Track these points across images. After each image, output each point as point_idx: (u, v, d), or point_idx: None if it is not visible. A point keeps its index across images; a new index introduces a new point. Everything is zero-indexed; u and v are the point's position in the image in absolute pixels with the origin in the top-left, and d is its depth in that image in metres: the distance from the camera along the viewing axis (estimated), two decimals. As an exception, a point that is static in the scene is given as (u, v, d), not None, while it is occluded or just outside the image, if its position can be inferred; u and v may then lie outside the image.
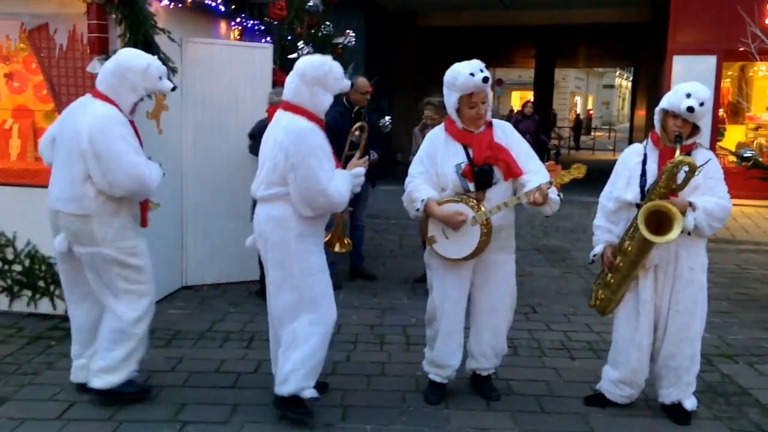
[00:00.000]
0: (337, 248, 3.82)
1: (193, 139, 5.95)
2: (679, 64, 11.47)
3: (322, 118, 3.49)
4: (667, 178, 3.36)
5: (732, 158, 8.98)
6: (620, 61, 32.58)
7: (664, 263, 3.52)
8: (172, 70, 4.82)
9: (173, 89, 3.75)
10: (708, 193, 3.45)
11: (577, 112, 37.88)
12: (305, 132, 3.37)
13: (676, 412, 3.67)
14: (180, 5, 5.49)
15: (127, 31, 4.65)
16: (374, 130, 6.15)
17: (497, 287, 3.75)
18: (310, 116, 3.42)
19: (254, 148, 5.96)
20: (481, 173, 3.56)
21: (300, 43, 6.61)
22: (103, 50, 4.73)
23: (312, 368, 3.50)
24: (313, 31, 6.90)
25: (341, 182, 3.42)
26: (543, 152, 13.58)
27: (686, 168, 3.31)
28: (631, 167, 3.61)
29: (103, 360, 3.65)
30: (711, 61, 11.37)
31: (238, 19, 6.76)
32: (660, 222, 3.33)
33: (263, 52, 6.30)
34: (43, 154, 3.83)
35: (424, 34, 17.55)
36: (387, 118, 6.44)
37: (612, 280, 3.62)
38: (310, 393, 3.52)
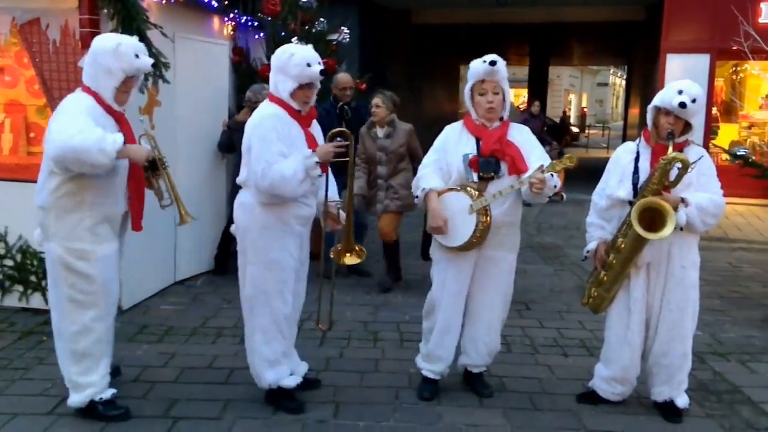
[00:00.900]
0: (347, 260, 3.72)
1: (186, 134, 5.95)
2: (673, 62, 11.50)
3: (292, 104, 3.46)
4: (659, 175, 3.37)
5: (725, 156, 9.01)
6: (614, 59, 32.69)
7: (656, 261, 3.53)
8: (164, 66, 4.80)
9: (153, 65, 3.51)
10: (701, 190, 3.46)
11: (563, 110, 37.87)
12: (262, 117, 3.44)
13: (668, 409, 3.68)
14: (172, 0, 5.46)
15: (119, 26, 4.62)
16: (361, 125, 6.15)
17: (495, 283, 3.76)
18: (280, 103, 3.48)
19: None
20: (485, 164, 3.58)
21: (293, 39, 6.56)
22: (96, 45, 4.70)
23: (267, 360, 3.58)
24: (306, 27, 6.89)
25: (288, 164, 3.33)
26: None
27: (679, 165, 3.32)
28: (623, 165, 3.61)
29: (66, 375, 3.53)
30: (704, 59, 11.40)
31: (231, 15, 6.73)
32: (653, 219, 3.33)
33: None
34: None
35: (419, 30, 17.55)
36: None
37: (605, 278, 3.62)
38: (289, 381, 3.62)
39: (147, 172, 3.60)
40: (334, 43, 7.15)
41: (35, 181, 4.95)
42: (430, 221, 3.64)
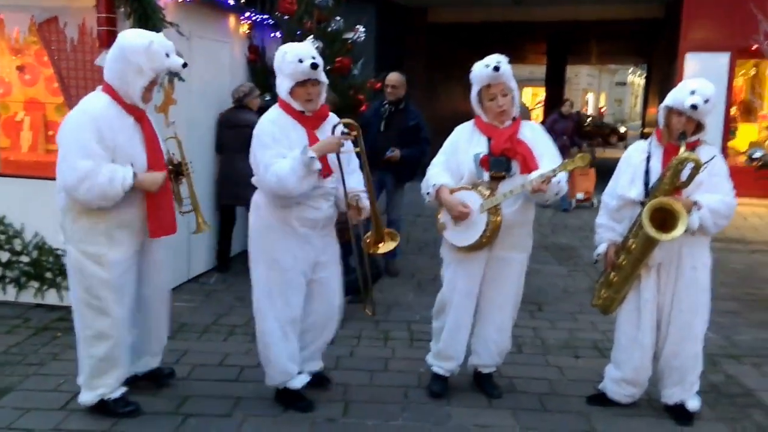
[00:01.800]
0: (381, 248, 3.65)
1: (200, 132, 6.00)
2: (692, 61, 11.40)
3: (293, 105, 3.46)
4: (671, 175, 3.34)
5: (743, 158, 8.91)
6: (633, 58, 32.37)
7: (667, 262, 3.50)
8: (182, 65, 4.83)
9: (185, 65, 3.37)
10: (712, 191, 3.43)
11: (577, 110, 37.49)
12: (261, 122, 3.48)
13: (679, 412, 3.65)
14: (189, -1, 5.50)
15: (136, 24, 4.66)
16: (401, 125, 6.13)
17: (506, 284, 3.75)
18: (282, 105, 3.50)
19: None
20: (496, 163, 3.57)
21: (310, 38, 6.59)
22: (112, 43, 4.74)
23: (271, 361, 3.61)
24: (322, 25, 6.89)
25: (284, 163, 3.31)
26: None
27: (691, 165, 3.29)
28: (635, 165, 3.59)
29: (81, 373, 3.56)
30: (724, 58, 11.28)
31: (247, 13, 6.76)
32: (664, 219, 3.30)
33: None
34: None
35: (435, 29, 17.50)
36: (394, 150, 6.08)
37: (615, 279, 3.60)
38: (295, 383, 3.64)
39: (170, 175, 3.53)
40: (350, 41, 7.15)
41: (53, 179, 5.04)
42: (449, 212, 3.58)
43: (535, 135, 3.68)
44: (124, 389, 3.56)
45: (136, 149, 3.34)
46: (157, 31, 4.58)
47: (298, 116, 3.47)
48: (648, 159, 3.54)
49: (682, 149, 3.34)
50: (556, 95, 23.89)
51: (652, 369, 3.69)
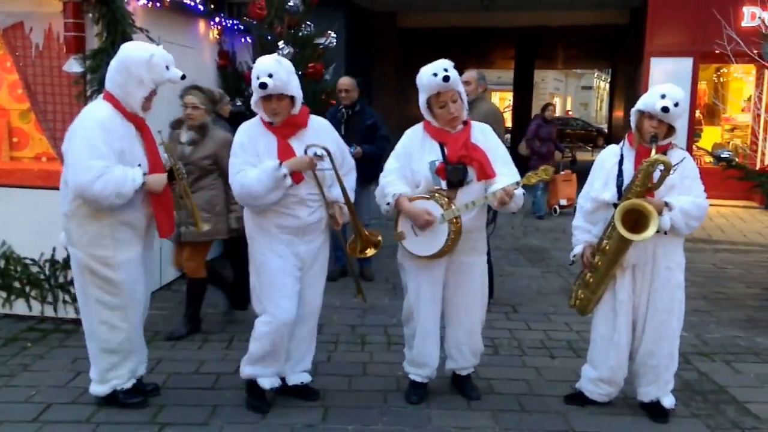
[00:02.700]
0: (369, 253, 3.85)
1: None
2: (656, 66, 11.60)
3: (262, 116, 3.54)
4: (643, 177, 3.39)
5: (709, 159, 9.10)
6: (598, 62, 32.87)
7: (641, 263, 3.55)
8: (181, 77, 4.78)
9: (183, 77, 3.52)
10: (684, 193, 3.49)
11: (566, 112, 37.99)
12: (240, 127, 3.63)
13: (654, 410, 3.70)
14: (158, 5, 5.44)
15: (105, 30, 4.60)
16: (359, 127, 6.15)
17: (470, 288, 3.76)
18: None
19: None
20: (453, 171, 3.57)
21: (280, 43, 6.59)
22: (80, 49, 4.69)
23: (256, 359, 3.64)
24: (293, 30, 6.88)
25: (250, 174, 3.42)
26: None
27: (661, 167, 3.35)
28: (608, 168, 3.64)
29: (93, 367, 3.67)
30: (687, 63, 11.51)
31: (217, 19, 6.72)
32: (637, 220, 3.36)
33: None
34: None
35: (405, 34, 17.60)
36: (356, 148, 5.98)
37: (591, 280, 3.64)
38: (264, 382, 3.67)
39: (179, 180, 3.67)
40: (321, 47, 7.15)
41: (19, 186, 4.97)
42: (415, 221, 3.56)
43: (486, 138, 3.70)
44: (134, 380, 3.68)
45: (139, 155, 3.46)
46: (128, 37, 4.56)
47: (268, 126, 3.54)
48: (620, 162, 3.60)
49: (653, 152, 3.40)
50: (524, 99, 24.16)
51: (628, 368, 3.74)
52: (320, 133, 3.63)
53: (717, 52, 8.61)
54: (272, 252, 3.54)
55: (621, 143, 3.71)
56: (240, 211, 3.93)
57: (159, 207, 3.53)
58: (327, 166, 3.55)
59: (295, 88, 3.48)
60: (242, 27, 7.11)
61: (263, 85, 3.37)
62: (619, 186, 3.55)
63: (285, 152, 3.48)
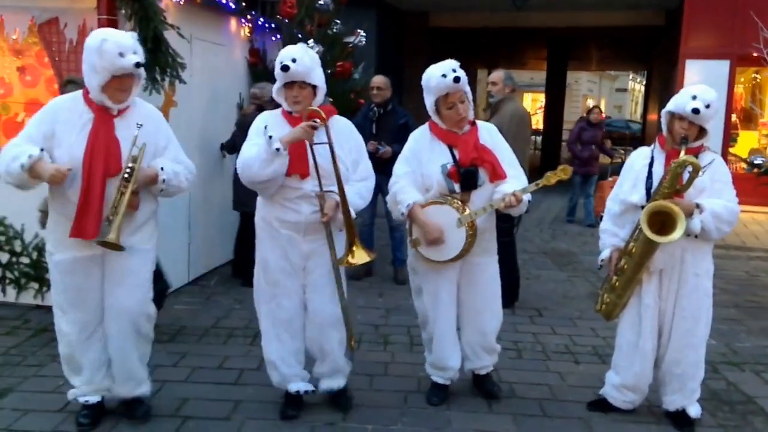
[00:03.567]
0: (353, 259, 3.40)
1: (201, 135, 6.00)
2: (692, 68, 11.41)
3: (283, 105, 3.49)
4: (671, 179, 3.34)
5: (743, 165, 8.91)
6: (633, 64, 32.40)
7: (669, 268, 3.49)
8: (181, 66, 4.84)
9: (138, 65, 3.16)
10: (715, 196, 3.42)
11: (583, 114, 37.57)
12: (257, 118, 3.59)
13: (679, 419, 3.64)
14: (191, 1, 5.50)
15: (137, 26, 4.66)
16: (391, 126, 6.15)
17: (483, 289, 3.75)
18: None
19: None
20: (467, 174, 3.55)
21: (310, 41, 6.61)
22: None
23: (268, 362, 3.62)
24: (323, 29, 6.90)
25: (251, 149, 3.36)
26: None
27: (690, 168, 3.29)
28: (637, 169, 3.58)
29: None
30: (724, 65, 11.29)
31: (248, 17, 6.77)
32: (664, 222, 3.30)
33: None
34: None
35: (436, 34, 17.52)
36: (384, 147, 6.03)
37: (617, 284, 3.59)
38: (290, 386, 3.61)
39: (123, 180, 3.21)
40: (351, 45, 7.16)
41: (53, 180, 5.06)
42: (425, 235, 3.54)
43: (493, 138, 3.69)
44: (97, 398, 3.45)
45: (75, 143, 3.17)
46: (159, 34, 4.61)
47: (287, 116, 3.49)
48: (651, 164, 3.54)
49: (682, 153, 3.34)
50: (557, 101, 23.90)
51: (653, 375, 3.68)
52: (339, 133, 3.48)
53: (754, 55, 8.43)
54: (274, 251, 3.49)
55: (652, 145, 3.66)
56: None
57: (82, 202, 3.15)
58: (323, 140, 3.38)
59: (318, 78, 3.42)
60: (273, 25, 7.16)
61: (285, 68, 3.31)
62: (648, 188, 3.49)
63: (299, 146, 3.38)
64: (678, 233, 3.25)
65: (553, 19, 17.11)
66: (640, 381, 3.65)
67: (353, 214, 3.43)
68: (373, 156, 5.86)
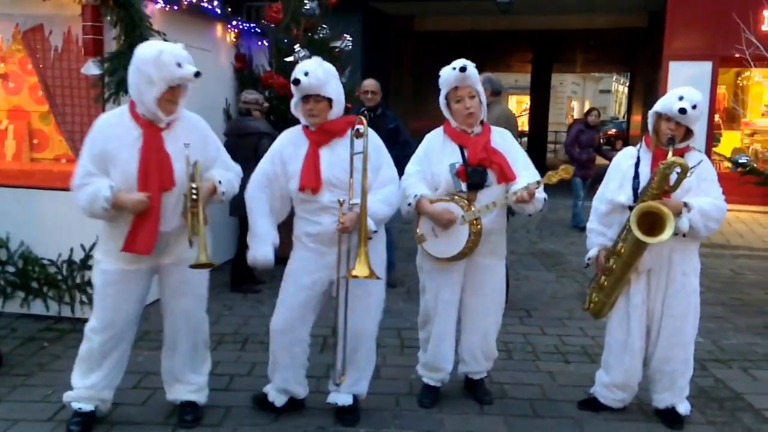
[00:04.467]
0: (355, 272, 3.24)
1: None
2: (675, 69, 11.50)
3: (300, 119, 3.49)
4: (659, 180, 3.37)
5: (727, 164, 9.00)
6: (617, 66, 32.66)
7: (657, 267, 3.53)
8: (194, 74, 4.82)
9: (197, 75, 3.22)
10: (702, 195, 3.45)
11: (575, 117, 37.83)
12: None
13: (669, 416, 3.67)
14: (176, 8, 5.49)
15: (122, 33, 4.65)
16: (381, 130, 6.14)
17: (488, 291, 3.75)
18: None
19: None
20: (474, 173, 3.57)
21: (296, 46, 6.62)
22: (98, 52, 4.74)
23: (269, 371, 3.64)
24: (309, 34, 6.91)
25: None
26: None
27: (678, 169, 3.32)
28: (623, 170, 3.61)
29: None
30: (706, 67, 11.39)
31: (234, 22, 6.77)
32: (653, 223, 3.33)
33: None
34: None
35: (422, 37, 17.58)
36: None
37: (606, 283, 3.62)
38: (276, 399, 3.63)
39: (186, 200, 3.27)
40: (337, 50, 7.17)
41: (38, 188, 5.03)
42: (437, 221, 3.55)
43: (505, 142, 3.70)
44: (90, 407, 3.44)
45: (127, 160, 3.21)
46: (144, 40, 4.59)
47: (306, 130, 3.48)
48: (637, 164, 3.57)
49: (670, 154, 3.37)
50: (542, 103, 24.05)
51: (642, 374, 3.71)
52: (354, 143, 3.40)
53: (736, 56, 8.51)
54: (301, 266, 3.49)
55: (638, 145, 3.69)
56: None
57: (138, 218, 3.22)
58: (358, 149, 3.34)
59: (333, 91, 3.39)
60: (259, 30, 7.15)
61: (296, 81, 3.31)
62: (635, 188, 3.53)
63: (312, 161, 3.36)
64: (667, 234, 3.27)
65: (537, 22, 17.24)
66: (629, 379, 3.68)
67: (372, 227, 3.32)
68: None
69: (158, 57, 3.14)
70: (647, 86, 16.05)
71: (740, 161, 6.33)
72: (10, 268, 5.08)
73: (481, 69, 3.72)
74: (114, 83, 4.67)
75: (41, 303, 5.08)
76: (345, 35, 7.17)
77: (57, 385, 3.91)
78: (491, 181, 3.58)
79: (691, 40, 11.63)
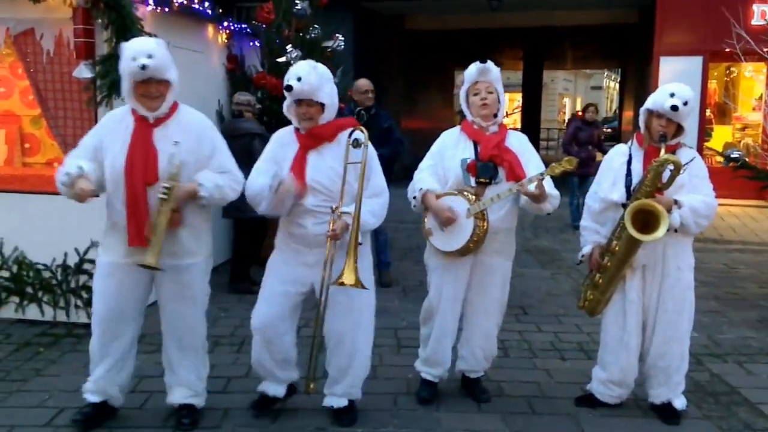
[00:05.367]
0: (342, 279, 3.23)
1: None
2: (666, 65, 11.54)
3: (293, 121, 3.48)
4: (652, 177, 3.38)
5: (719, 159, 9.04)
6: (608, 62, 32.67)
7: (651, 263, 3.54)
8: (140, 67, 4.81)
9: (143, 68, 3.16)
10: (693, 192, 3.48)
11: (573, 112, 37.72)
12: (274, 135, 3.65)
13: (666, 411, 3.69)
14: (167, 9, 5.47)
15: (114, 35, 4.63)
16: (376, 129, 6.15)
17: (492, 290, 3.75)
18: None
19: None
20: (483, 168, 3.58)
21: (288, 47, 6.60)
22: (90, 55, 4.72)
23: (254, 366, 3.66)
24: (301, 34, 6.90)
25: (257, 180, 3.44)
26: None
27: (671, 167, 3.34)
28: (616, 167, 3.63)
29: None
30: (697, 62, 11.44)
31: (225, 23, 6.75)
32: (647, 221, 3.35)
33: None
34: None
35: (413, 36, 17.56)
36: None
37: (600, 281, 3.63)
38: (267, 388, 3.66)
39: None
40: (329, 50, 7.16)
41: (31, 192, 5.01)
42: (437, 217, 3.58)
43: (521, 144, 3.72)
44: (97, 399, 3.49)
45: (117, 153, 3.26)
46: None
47: (297, 132, 3.47)
48: (629, 161, 3.59)
49: (662, 151, 3.39)
50: (533, 100, 24.09)
51: (638, 369, 3.72)
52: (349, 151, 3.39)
53: (727, 50, 8.54)
54: (281, 260, 3.52)
55: (629, 142, 3.70)
56: None
57: (130, 212, 3.25)
58: (356, 157, 3.36)
59: (326, 96, 3.37)
60: (250, 31, 7.14)
61: (288, 88, 3.30)
62: (627, 186, 3.55)
63: (299, 164, 3.38)
64: (661, 231, 3.29)
65: (528, 19, 17.23)
66: (626, 376, 3.69)
67: (360, 238, 3.32)
68: None
69: (123, 52, 3.22)
70: (638, 82, 16.09)
71: (732, 156, 6.36)
72: (4, 274, 5.05)
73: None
74: (106, 86, 4.65)
75: (36, 308, 5.05)
76: (337, 35, 7.17)
77: (53, 390, 3.91)
78: (500, 178, 3.60)
79: (681, 35, 11.67)
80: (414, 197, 3.68)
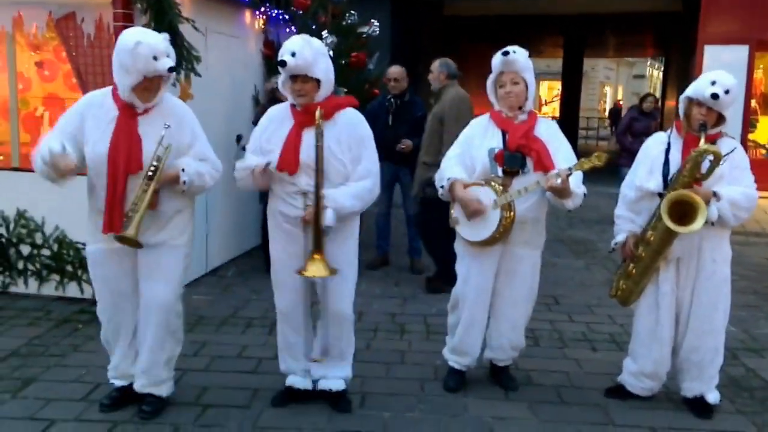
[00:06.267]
0: (308, 272, 3.24)
1: (217, 127, 6.02)
2: (710, 54, 11.25)
3: (288, 97, 3.41)
4: (691, 167, 3.31)
5: (763, 151, 8.81)
6: (651, 50, 32.05)
7: (686, 255, 3.47)
8: (196, 59, 4.87)
9: (171, 70, 3.20)
10: (733, 183, 3.39)
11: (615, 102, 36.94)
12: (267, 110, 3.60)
13: (698, 405, 3.63)
14: (205, -6, 5.52)
15: (152, 20, 4.69)
16: (408, 117, 6.13)
17: (520, 281, 3.73)
18: None
19: None
20: (511, 158, 3.55)
21: (324, 33, 6.61)
22: (129, 39, 4.78)
23: (279, 346, 3.67)
24: (337, 20, 6.90)
25: (247, 160, 3.44)
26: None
27: (711, 157, 3.26)
28: (653, 156, 3.56)
29: None
30: (743, 51, 11.13)
31: (262, 9, 6.79)
32: (684, 212, 3.27)
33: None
34: None
35: (451, 22, 17.44)
36: (405, 142, 6.06)
37: (633, 271, 3.58)
38: (290, 380, 3.66)
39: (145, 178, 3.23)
40: (364, 36, 7.15)
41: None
42: (464, 208, 3.56)
43: (550, 133, 3.65)
44: (123, 383, 3.55)
45: (99, 140, 3.23)
46: (175, 28, 4.63)
47: (293, 109, 3.41)
48: (667, 150, 3.51)
49: (702, 141, 3.31)
50: (573, 89, 23.74)
51: (671, 362, 3.67)
52: (344, 128, 3.35)
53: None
54: (278, 243, 3.51)
55: (668, 131, 3.63)
56: None
57: (108, 198, 3.21)
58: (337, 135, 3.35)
59: (321, 71, 3.27)
60: (287, 17, 7.17)
61: (282, 63, 3.20)
62: (664, 175, 3.47)
63: (293, 141, 3.30)
64: (699, 223, 3.22)
65: (569, 6, 16.97)
66: (658, 368, 3.64)
67: (330, 221, 3.24)
68: (391, 148, 5.87)
69: (134, 48, 3.11)
70: (682, 71, 15.74)
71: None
72: (46, 252, 5.19)
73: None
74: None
75: (76, 286, 5.19)
76: (373, 21, 7.15)
77: (90, 365, 4.01)
78: (528, 168, 3.55)
79: (726, 23, 11.36)
80: (442, 186, 3.67)
